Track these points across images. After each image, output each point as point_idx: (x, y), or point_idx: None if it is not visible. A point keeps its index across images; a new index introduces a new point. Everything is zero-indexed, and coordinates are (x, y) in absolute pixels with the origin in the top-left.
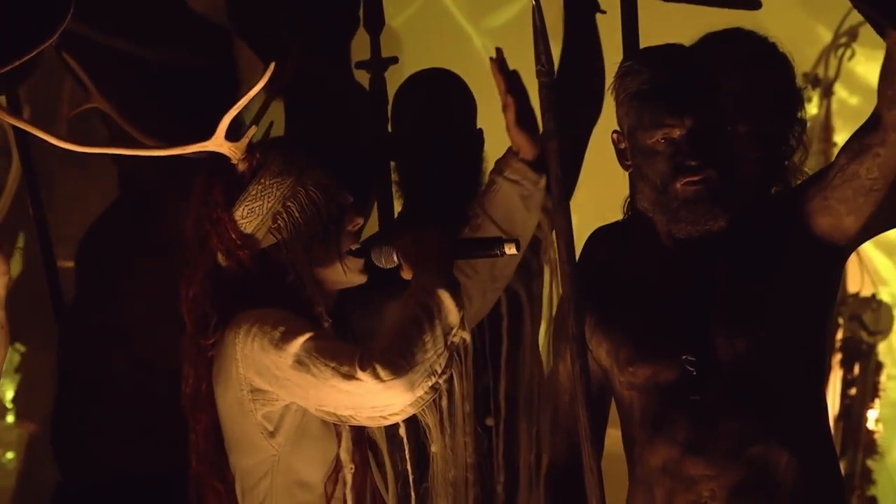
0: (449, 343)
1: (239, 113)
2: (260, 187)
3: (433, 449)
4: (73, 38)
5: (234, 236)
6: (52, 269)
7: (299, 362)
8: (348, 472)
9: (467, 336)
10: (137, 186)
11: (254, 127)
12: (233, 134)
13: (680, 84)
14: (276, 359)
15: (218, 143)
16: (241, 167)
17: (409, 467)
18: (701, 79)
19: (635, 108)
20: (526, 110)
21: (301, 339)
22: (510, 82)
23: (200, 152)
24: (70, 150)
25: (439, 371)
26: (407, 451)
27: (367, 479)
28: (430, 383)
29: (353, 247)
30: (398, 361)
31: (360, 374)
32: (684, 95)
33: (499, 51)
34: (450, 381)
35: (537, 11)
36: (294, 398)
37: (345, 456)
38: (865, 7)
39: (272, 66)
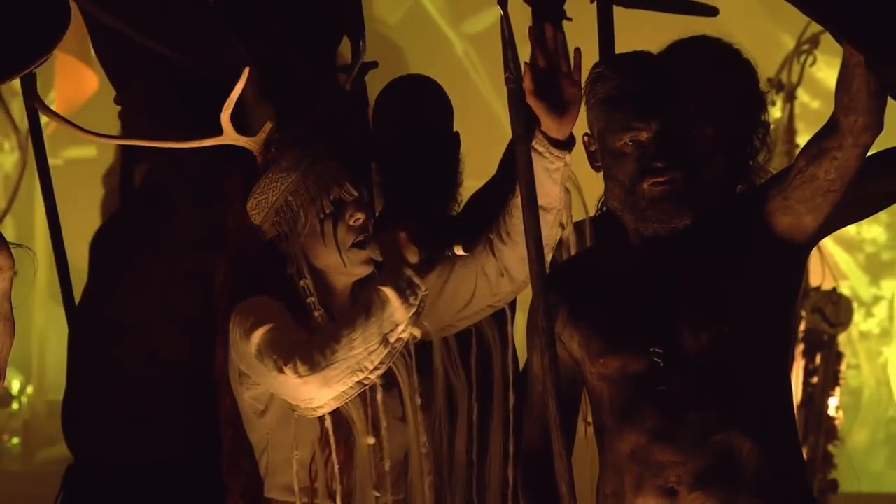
0: (387, 340)
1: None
2: (268, 181)
3: (359, 440)
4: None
5: (243, 227)
6: (64, 265)
7: (258, 352)
8: (331, 452)
9: (417, 333)
10: (146, 186)
11: (269, 123)
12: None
13: (647, 89)
14: (244, 347)
15: (232, 137)
16: (259, 161)
17: (334, 457)
18: (667, 84)
19: (605, 112)
20: (551, 85)
21: (261, 330)
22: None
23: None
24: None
25: (370, 367)
26: (332, 443)
27: (350, 458)
28: (355, 379)
29: (357, 240)
30: (316, 357)
31: (284, 367)
32: (651, 100)
33: (540, 27)
34: (390, 375)
35: (505, 22)
36: (263, 384)
37: (325, 436)
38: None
39: (246, 70)
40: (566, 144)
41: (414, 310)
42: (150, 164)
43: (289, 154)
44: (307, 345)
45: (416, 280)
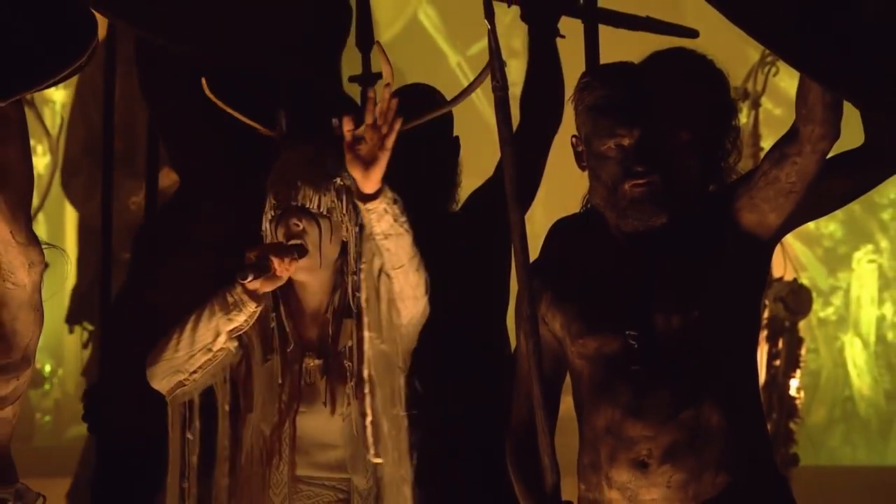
0: (209, 349)
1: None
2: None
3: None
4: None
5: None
6: (107, 261)
7: None
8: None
9: (232, 346)
10: (182, 189)
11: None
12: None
13: (630, 99)
14: None
15: None
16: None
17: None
18: (648, 95)
19: (591, 119)
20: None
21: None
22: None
23: None
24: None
25: (190, 370)
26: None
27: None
28: (176, 379)
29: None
30: (151, 355)
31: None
32: (634, 110)
33: (374, 91)
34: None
35: (492, 35)
36: None
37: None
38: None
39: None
40: (371, 197)
41: (234, 324)
42: (178, 172)
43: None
44: (160, 341)
45: (245, 296)
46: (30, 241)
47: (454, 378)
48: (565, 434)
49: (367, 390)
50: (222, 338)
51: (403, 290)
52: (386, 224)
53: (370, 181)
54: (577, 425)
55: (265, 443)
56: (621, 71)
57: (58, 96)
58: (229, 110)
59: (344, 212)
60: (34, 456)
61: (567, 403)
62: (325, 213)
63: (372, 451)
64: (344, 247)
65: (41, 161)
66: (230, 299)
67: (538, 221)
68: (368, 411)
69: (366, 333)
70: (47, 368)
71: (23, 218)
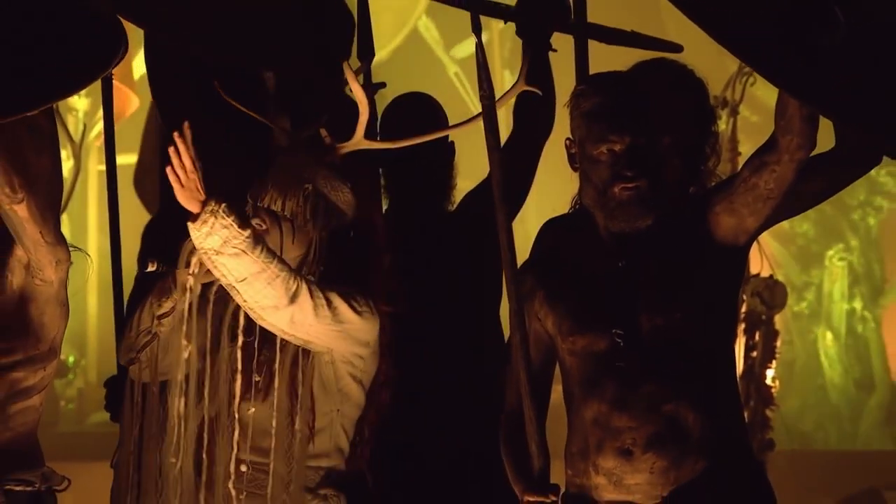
0: (148, 331)
1: None
2: None
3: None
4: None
5: None
6: (118, 258)
7: None
8: None
9: (161, 330)
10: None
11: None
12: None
13: (623, 108)
14: None
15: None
16: None
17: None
18: (639, 104)
19: (586, 124)
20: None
21: None
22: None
23: None
24: None
25: (137, 349)
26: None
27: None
28: (129, 356)
29: None
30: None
31: None
32: (626, 118)
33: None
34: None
35: (479, 49)
36: None
37: None
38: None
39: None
40: (194, 218)
41: (163, 310)
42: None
43: None
44: None
45: (172, 286)
46: (57, 241)
47: (450, 369)
48: (555, 422)
49: (276, 383)
50: (154, 321)
51: (256, 301)
52: (215, 243)
53: (187, 204)
54: (567, 416)
55: (212, 428)
56: (616, 80)
57: (80, 105)
58: (245, 110)
59: (308, 217)
60: (59, 441)
61: (557, 392)
62: (288, 216)
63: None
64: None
65: (65, 165)
66: (163, 287)
67: (532, 222)
68: (275, 402)
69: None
70: (71, 359)
71: (52, 220)
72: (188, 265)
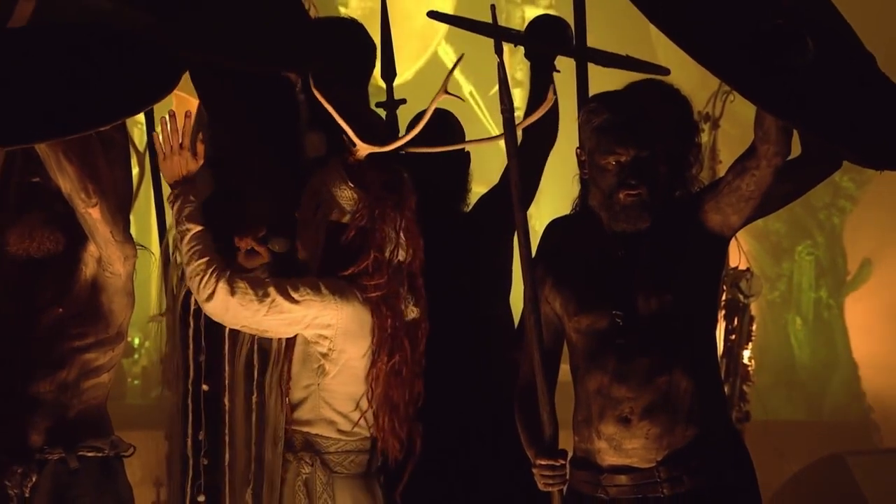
0: None
1: None
2: None
3: None
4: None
5: None
6: (166, 250)
7: None
8: None
9: None
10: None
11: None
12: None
13: (629, 125)
14: None
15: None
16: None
17: None
18: (642, 121)
19: (596, 137)
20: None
21: None
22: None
23: None
24: None
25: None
26: None
27: None
28: None
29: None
30: None
31: None
32: (631, 134)
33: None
34: None
35: (501, 68)
36: None
37: None
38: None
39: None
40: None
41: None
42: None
43: None
44: None
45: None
46: (126, 240)
47: (468, 352)
48: (563, 396)
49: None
50: None
51: (195, 293)
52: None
53: (164, 175)
54: (574, 388)
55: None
56: (623, 100)
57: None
58: (330, 109)
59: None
60: (126, 413)
61: (565, 371)
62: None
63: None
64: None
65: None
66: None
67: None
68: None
69: None
70: (136, 341)
71: (121, 221)
72: None
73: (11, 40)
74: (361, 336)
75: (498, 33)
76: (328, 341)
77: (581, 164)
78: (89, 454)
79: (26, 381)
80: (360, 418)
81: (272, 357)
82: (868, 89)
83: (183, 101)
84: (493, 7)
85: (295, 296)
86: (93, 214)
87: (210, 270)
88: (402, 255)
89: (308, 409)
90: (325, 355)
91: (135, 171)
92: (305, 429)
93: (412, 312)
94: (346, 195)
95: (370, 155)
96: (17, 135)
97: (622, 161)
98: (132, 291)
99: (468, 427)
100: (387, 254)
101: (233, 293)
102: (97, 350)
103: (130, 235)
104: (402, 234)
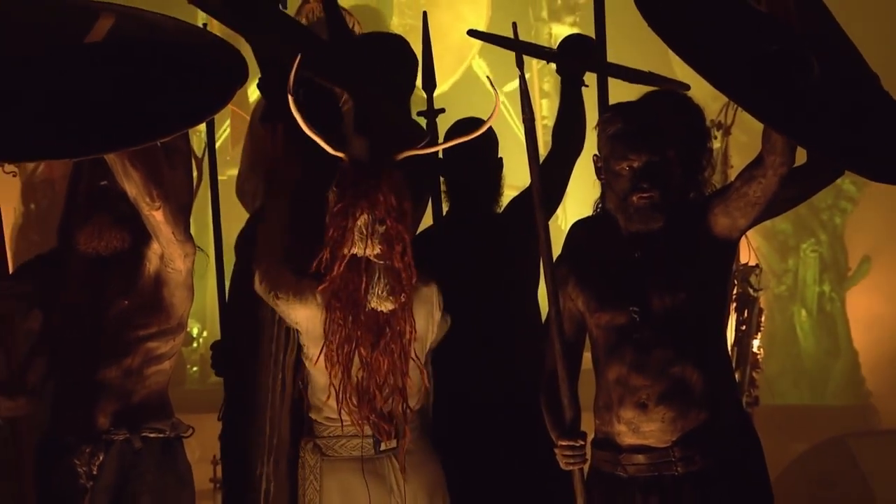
0: None
1: None
2: None
3: None
4: None
5: None
6: (220, 253)
7: None
8: None
9: None
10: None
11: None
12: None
13: (640, 133)
14: None
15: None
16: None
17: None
18: (653, 129)
19: (611, 144)
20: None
21: None
22: None
23: None
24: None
25: None
26: None
27: None
28: None
29: None
30: None
31: None
32: (642, 141)
33: None
34: None
35: (522, 80)
36: None
37: None
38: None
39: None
40: None
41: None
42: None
43: None
44: None
45: None
46: (186, 239)
47: (498, 345)
48: (585, 383)
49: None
50: None
51: None
52: None
53: None
54: (595, 377)
55: None
56: (636, 110)
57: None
58: (301, 122)
59: None
60: (185, 397)
61: (587, 359)
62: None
63: None
64: None
65: None
66: None
67: (567, 220)
68: None
69: None
70: (195, 331)
71: (182, 222)
72: None
73: (88, 55)
74: (320, 331)
75: (521, 49)
76: (301, 336)
77: (598, 169)
78: (152, 435)
79: (95, 368)
80: (340, 406)
81: (293, 337)
82: (871, 108)
83: (237, 114)
84: (514, 25)
85: (278, 295)
86: (156, 216)
87: None
88: (359, 250)
89: (308, 394)
90: (302, 346)
91: (194, 174)
92: (310, 413)
93: (383, 304)
94: (330, 197)
95: (357, 161)
96: (90, 146)
97: (635, 166)
98: (191, 285)
99: (499, 417)
100: (345, 250)
101: None
102: (160, 339)
103: (190, 235)
104: (373, 230)
